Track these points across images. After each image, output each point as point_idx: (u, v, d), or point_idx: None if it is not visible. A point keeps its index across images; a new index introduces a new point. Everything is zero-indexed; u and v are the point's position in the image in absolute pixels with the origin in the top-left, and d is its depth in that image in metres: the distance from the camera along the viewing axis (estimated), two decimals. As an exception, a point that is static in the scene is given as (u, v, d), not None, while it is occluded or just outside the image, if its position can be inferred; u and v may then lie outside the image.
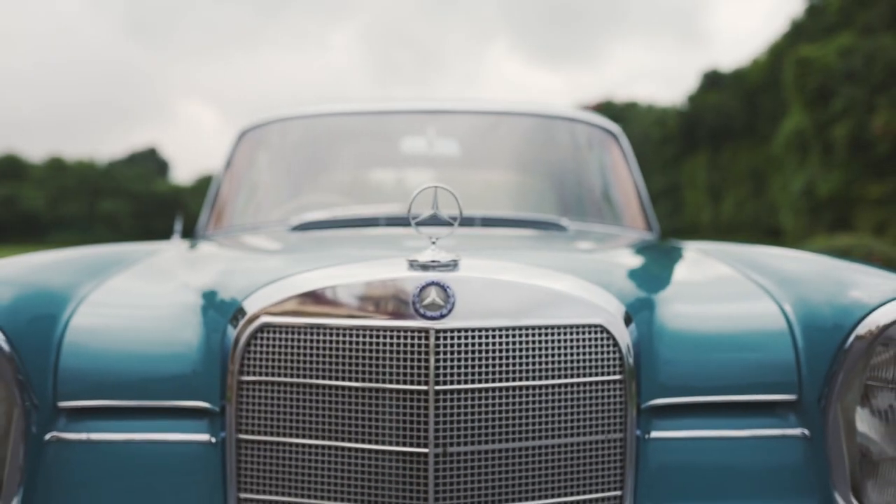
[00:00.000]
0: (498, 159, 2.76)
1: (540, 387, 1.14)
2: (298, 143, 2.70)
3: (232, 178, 2.65)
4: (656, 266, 1.70)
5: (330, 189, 2.63)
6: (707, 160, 42.38)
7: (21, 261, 1.45)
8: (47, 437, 1.23)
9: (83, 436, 1.23)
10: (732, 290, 1.45)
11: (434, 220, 1.26)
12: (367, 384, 1.12)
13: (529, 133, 2.70)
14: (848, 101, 22.69)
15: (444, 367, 1.10)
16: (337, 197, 2.54)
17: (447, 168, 2.75)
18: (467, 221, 1.99)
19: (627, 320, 1.23)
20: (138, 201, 74.40)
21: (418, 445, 1.10)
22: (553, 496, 1.15)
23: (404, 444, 1.10)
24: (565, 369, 1.16)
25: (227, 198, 2.61)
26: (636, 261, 1.77)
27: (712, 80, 42.17)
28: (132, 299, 1.42)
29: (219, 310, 1.28)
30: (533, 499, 1.14)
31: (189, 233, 2.66)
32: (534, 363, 1.14)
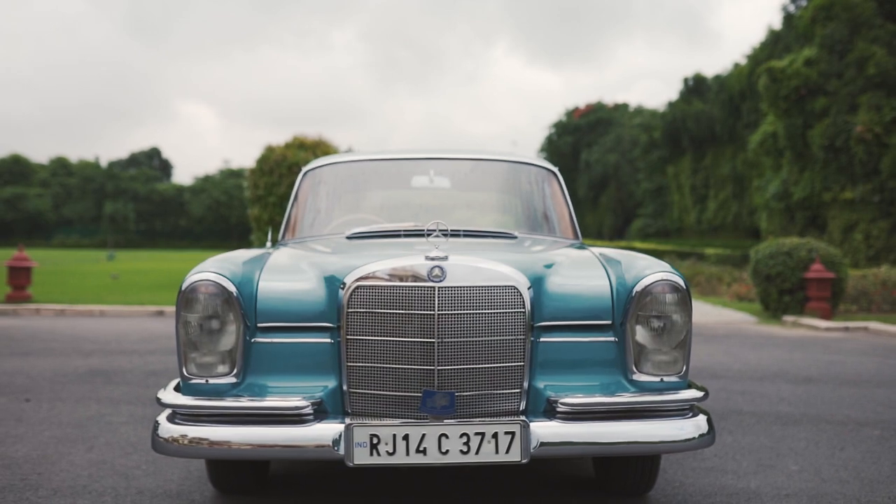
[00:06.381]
0: (475, 190, 4.16)
1: (485, 314, 2.49)
2: (344, 180, 4.07)
3: (298, 204, 4.01)
4: (556, 258, 3.04)
5: (366, 210, 3.99)
6: (691, 164, 43.74)
7: (227, 256, 2.81)
8: (253, 341, 2.59)
9: (270, 340, 2.59)
10: (588, 270, 2.81)
11: (437, 235, 2.64)
12: (406, 311, 2.47)
13: (497, 173, 4.09)
14: (830, 100, 23.80)
15: (442, 304, 2.46)
16: (371, 216, 3.89)
17: (442, 196, 4.12)
18: (455, 234, 3.34)
19: (528, 286, 2.58)
20: (141, 202, 74.95)
21: (430, 338, 2.45)
22: (492, 362, 2.51)
23: (423, 338, 2.46)
24: (497, 305, 2.51)
25: (297, 217, 3.97)
26: (548, 256, 3.09)
27: (693, 86, 43.47)
28: (284, 274, 2.77)
29: (330, 280, 2.63)
30: (482, 363, 2.49)
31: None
32: (483, 303, 2.50)
